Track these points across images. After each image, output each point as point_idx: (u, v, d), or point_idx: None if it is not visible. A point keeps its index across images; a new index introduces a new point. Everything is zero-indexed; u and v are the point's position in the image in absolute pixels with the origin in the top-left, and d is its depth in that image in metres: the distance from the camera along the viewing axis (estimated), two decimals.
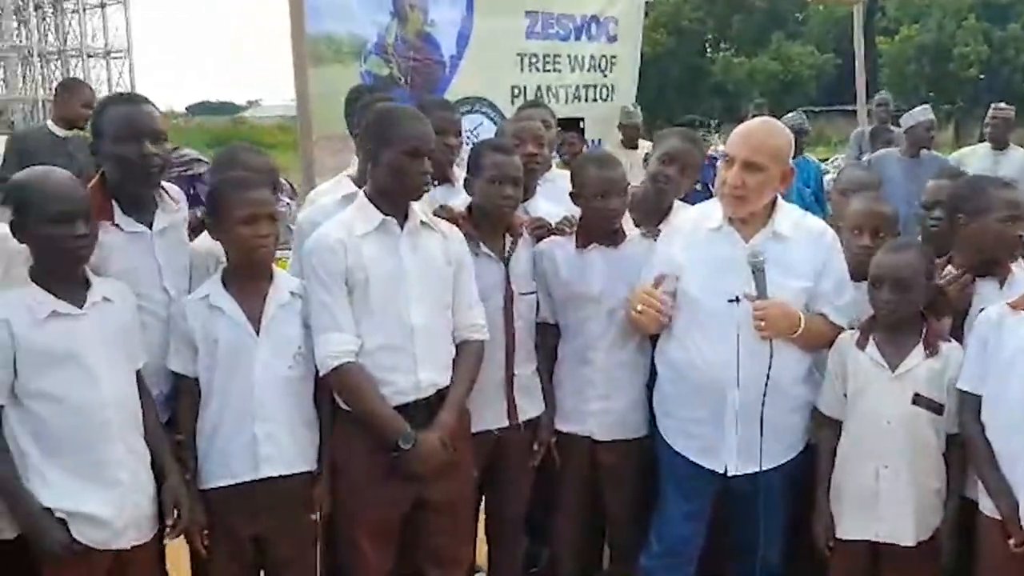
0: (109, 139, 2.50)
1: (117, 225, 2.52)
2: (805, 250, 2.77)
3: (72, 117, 5.47)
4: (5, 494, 2.29)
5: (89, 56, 54.68)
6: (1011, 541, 2.44)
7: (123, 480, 2.37)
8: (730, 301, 2.71)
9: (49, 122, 5.57)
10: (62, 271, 2.36)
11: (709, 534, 2.95)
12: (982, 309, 2.67)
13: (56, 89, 5.93)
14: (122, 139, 2.48)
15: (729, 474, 2.79)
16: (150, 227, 2.59)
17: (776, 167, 2.73)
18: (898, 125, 6.73)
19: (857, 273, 2.88)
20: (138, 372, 2.49)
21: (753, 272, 2.65)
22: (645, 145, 5.86)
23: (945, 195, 3.06)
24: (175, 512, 2.50)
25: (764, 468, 2.75)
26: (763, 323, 2.63)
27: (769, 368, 2.64)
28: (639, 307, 2.79)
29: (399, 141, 2.62)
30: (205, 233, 2.71)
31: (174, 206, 2.68)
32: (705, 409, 2.78)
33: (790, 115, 7.13)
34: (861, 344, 2.72)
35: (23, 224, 2.32)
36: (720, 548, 3.00)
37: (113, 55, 55.39)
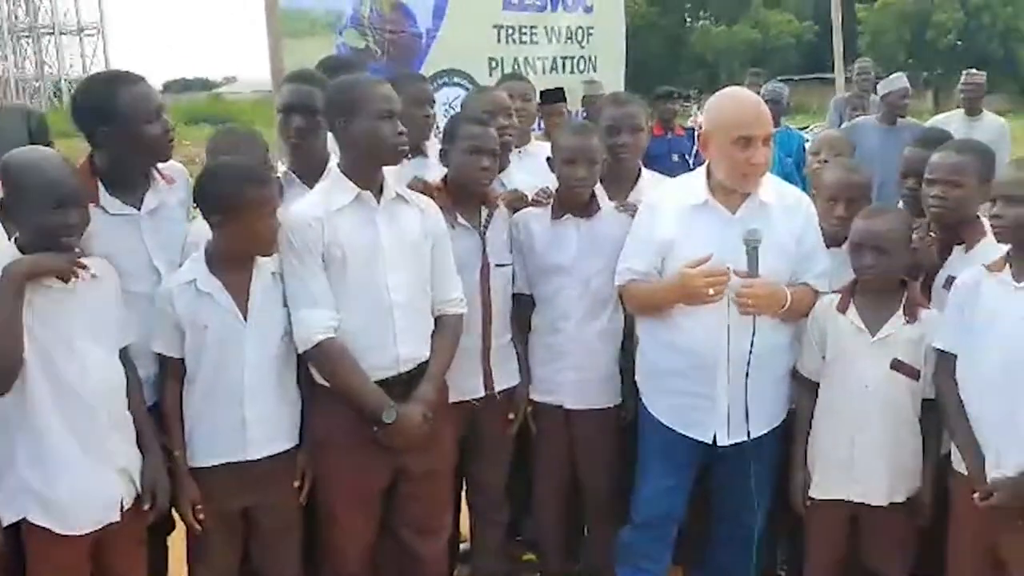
0: (139, 121, 2.45)
1: (101, 207, 2.48)
2: (786, 217, 2.78)
3: None
4: None
5: (62, 33, 53.85)
6: (975, 495, 2.47)
7: (106, 461, 2.35)
8: None
9: None
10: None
11: (693, 500, 2.97)
12: (949, 275, 2.72)
13: None
14: (149, 120, 2.47)
15: (719, 444, 2.80)
16: (139, 208, 2.55)
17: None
18: (876, 92, 6.73)
19: (833, 241, 2.90)
20: (124, 352, 2.47)
21: (747, 250, 2.60)
22: None
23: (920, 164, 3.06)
24: (152, 495, 2.47)
25: (752, 436, 2.75)
26: (749, 301, 2.61)
27: (753, 342, 2.64)
28: (711, 291, 2.63)
29: (369, 106, 2.58)
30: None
31: (167, 186, 2.63)
32: (695, 383, 2.78)
33: (769, 84, 7.10)
34: (841, 309, 2.74)
35: (15, 210, 2.27)
36: (703, 513, 3.03)
37: (86, 32, 54.57)
